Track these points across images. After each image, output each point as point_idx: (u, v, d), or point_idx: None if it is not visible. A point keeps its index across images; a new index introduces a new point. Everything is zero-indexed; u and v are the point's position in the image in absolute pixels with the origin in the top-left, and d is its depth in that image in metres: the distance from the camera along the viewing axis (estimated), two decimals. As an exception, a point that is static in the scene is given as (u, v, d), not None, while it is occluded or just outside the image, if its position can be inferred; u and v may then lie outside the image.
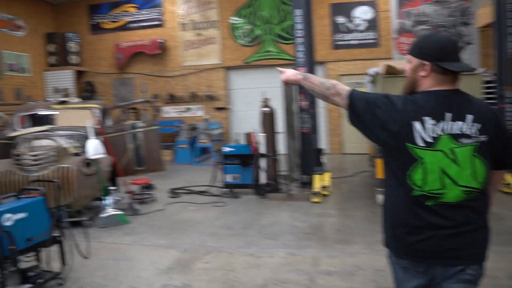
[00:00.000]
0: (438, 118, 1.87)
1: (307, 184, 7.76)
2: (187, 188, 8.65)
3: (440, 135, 1.86)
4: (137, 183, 7.77)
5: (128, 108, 13.64)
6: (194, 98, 13.49)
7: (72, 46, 13.96)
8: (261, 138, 7.70)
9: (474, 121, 1.88)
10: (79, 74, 14.26)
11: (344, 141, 12.78)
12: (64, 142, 6.82)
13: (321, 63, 12.33)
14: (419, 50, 1.98)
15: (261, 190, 7.63)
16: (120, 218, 6.39)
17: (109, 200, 7.74)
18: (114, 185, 7.40)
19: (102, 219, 6.30)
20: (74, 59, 14.00)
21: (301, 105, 7.98)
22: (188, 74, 13.51)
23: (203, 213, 6.85)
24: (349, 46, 12.37)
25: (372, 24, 12.29)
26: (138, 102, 8.87)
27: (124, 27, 13.95)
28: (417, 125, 1.87)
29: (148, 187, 8.75)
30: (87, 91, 14.16)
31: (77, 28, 14.41)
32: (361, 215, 6.31)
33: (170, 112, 13.81)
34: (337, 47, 12.47)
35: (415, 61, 1.99)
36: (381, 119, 1.93)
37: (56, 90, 13.52)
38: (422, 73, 1.96)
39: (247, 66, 13.04)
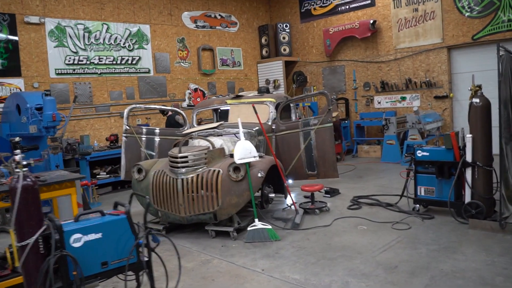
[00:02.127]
0: None
1: (536, 211, 5.31)
2: (373, 197, 7.15)
3: None
4: (307, 190, 6.69)
5: (337, 99, 12.64)
6: (409, 85, 11.50)
7: (283, 36, 13.67)
8: (468, 140, 5.59)
9: None
10: (289, 64, 13.93)
11: None
12: (225, 141, 6.28)
13: None
14: None
15: (462, 212, 5.57)
16: (269, 233, 5.46)
17: (284, 204, 6.96)
18: (278, 191, 6.52)
19: (249, 232, 5.50)
20: (285, 49, 13.72)
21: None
22: (403, 58, 11.57)
23: (372, 237, 5.32)
24: None
25: None
26: (312, 95, 7.74)
27: (333, 11, 12.85)
28: None
29: (329, 192, 7.62)
30: (298, 81, 13.73)
31: (288, 18, 14.09)
32: None
33: (382, 102, 12.16)
34: None
35: None
36: None
37: (267, 82, 13.50)
38: None
39: (475, 43, 10.25)
